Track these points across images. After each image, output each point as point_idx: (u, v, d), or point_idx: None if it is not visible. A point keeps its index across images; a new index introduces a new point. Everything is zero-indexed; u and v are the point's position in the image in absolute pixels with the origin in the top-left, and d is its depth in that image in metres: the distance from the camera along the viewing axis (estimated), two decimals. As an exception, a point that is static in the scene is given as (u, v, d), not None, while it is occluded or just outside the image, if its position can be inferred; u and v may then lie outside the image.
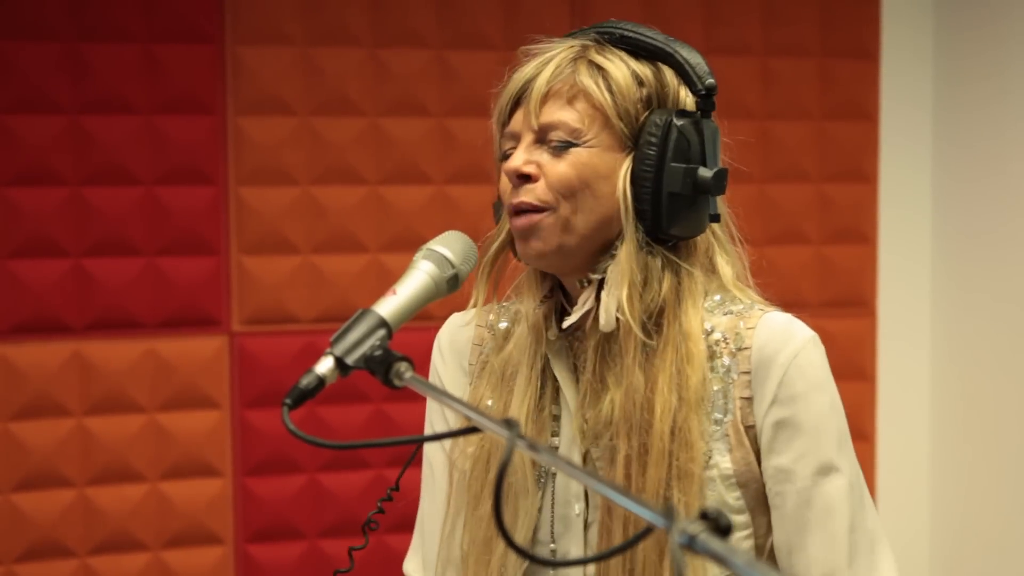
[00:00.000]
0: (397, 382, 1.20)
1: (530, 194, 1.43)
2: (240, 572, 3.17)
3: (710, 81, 1.45)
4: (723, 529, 0.93)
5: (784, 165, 3.48)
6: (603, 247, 1.45)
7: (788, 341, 1.44)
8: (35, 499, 3.02)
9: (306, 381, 1.20)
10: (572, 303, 1.49)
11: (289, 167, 3.15)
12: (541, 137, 1.44)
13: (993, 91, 3.42)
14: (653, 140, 1.42)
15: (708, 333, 1.46)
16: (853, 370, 3.56)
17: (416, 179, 3.19)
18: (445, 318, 1.64)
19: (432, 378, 1.63)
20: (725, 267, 1.52)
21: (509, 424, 1.08)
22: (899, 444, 3.62)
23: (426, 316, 1.48)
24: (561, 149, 1.42)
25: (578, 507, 1.48)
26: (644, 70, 1.45)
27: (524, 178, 1.43)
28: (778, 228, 3.47)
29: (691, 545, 0.93)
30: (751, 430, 1.44)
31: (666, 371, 1.42)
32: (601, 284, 1.45)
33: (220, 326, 3.14)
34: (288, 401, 1.19)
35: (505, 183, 1.46)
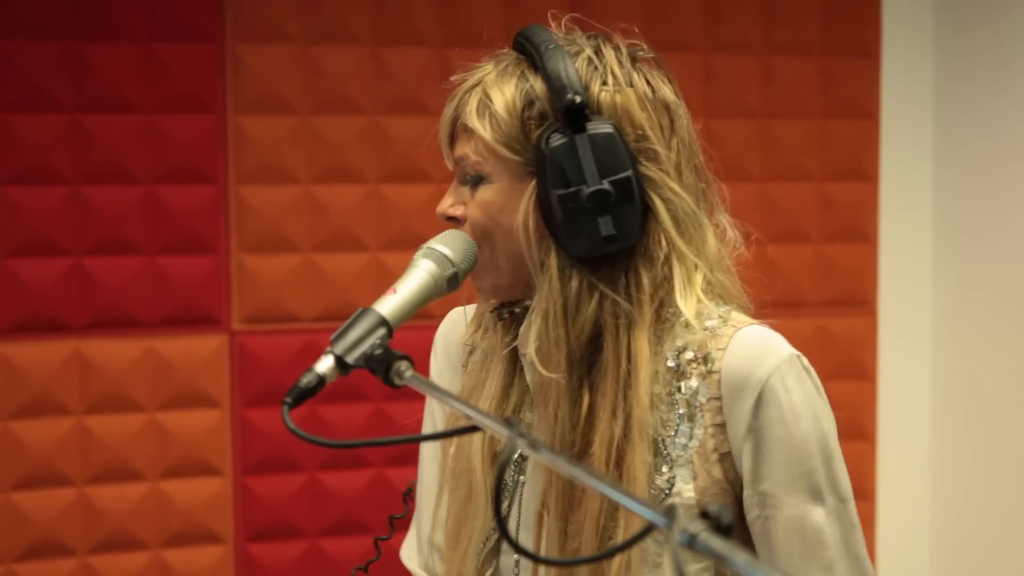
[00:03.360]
0: (397, 381, 1.20)
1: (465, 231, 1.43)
2: (240, 571, 3.16)
3: (569, 97, 1.34)
4: (724, 528, 0.92)
5: (785, 164, 3.47)
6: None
7: (759, 363, 1.36)
8: (35, 498, 3.01)
9: (306, 380, 1.19)
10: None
11: (289, 166, 3.15)
12: (459, 173, 1.44)
13: (994, 90, 3.42)
14: (538, 168, 1.37)
15: (680, 351, 1.40)
16: (853, 369, 3.55)
17: (416, 178, 3.19)
18: (445, 317, 1.64)
19: (432, 376, 1.63)
20: (695, 273, 1.42)
21: (509, 423, 1.07)
22: (900, 443, 3.61)
23: (426, 315, 1.48)
24: (473, 185, 1.42)
25: (544, 514, 1.46)
26: (536, 85, 1.38)
27: (452, 219, 1.43)
28: (778, 227, 3.46)
29: (692, 544, 0.92)
30: (727, 457, 1.38)
31: (607, 396, 1.38)
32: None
33: (220, 325, 3.13)
34: (288, 400, 1.18)
35: None
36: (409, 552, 1.65)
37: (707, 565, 1.42)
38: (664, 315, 1.40)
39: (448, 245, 1.38)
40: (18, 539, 3.01)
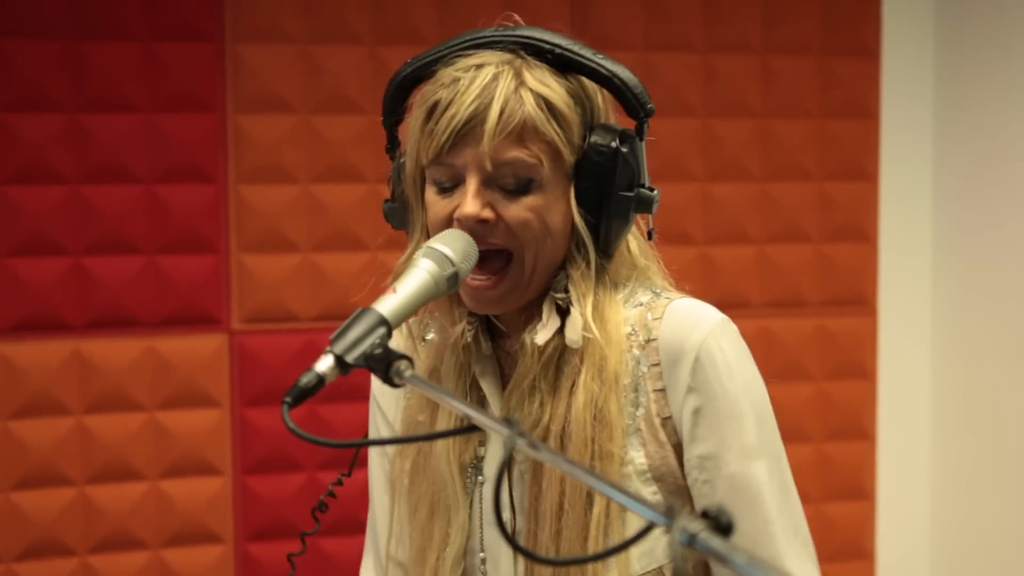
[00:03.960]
0: (397, 380, 1.20)
1: (496, 236, 1.40)
2: (240, 571, 3.16)
3: (651, 106, 1.44)
4: (724, 528, 0.92)
5: (785, 163, 3.47)
6: (554, 272, 1.45)
7: (695, 327, 1.42)
8: (35, 498, 3.01)
9: (306, 379, 1.19)
10: (500, 317, 1.49)
11: (289, 165, 3.15)
12: (492, 176, 1.39)
13: (994, 89, 3.42)
14: (600, 169, 1.41)
15: (623, 324, 1.46)
16: (854, 368, 3.55)
17: None
18: None
19: (372, 403, 1.64)
20: (635, 249, 1.51)
21: (509, 422, 1.08)
22: (900, 443, 3.61)
23: None
24: (517, 191, 1.40)
25: (506, 515, 1.47)
26: (574, 87, 1.43)
27: (482, 222, 1.40)
28: (779, 226, 3.47)
29: (691, 543, 0.92)
30: (668, 422, 1.43)
31: (590, 358, 1.43)
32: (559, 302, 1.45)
33: (220, 324, 3.13)
34: (288, 399, 1.18)
35: (438, 216, 1.43)
36: (367, 573, 1.68)
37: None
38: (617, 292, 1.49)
39: (448, 244, 1.37)
40: (18, 539, 3.01)
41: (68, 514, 3.03)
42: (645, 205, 1.45)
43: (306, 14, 3.15)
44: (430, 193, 1.45)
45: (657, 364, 1.43)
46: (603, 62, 1.42)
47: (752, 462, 1.42)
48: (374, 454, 1.65)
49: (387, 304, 1.28)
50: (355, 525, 1.68)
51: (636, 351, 1.44)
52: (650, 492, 1.42)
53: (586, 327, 1.42)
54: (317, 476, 3.19)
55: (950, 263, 3.57)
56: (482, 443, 1.51)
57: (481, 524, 1.50)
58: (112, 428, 3.06)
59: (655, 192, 1.46)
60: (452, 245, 1.37)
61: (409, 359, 1.20)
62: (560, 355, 1.45)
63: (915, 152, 3.59)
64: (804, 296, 3.48)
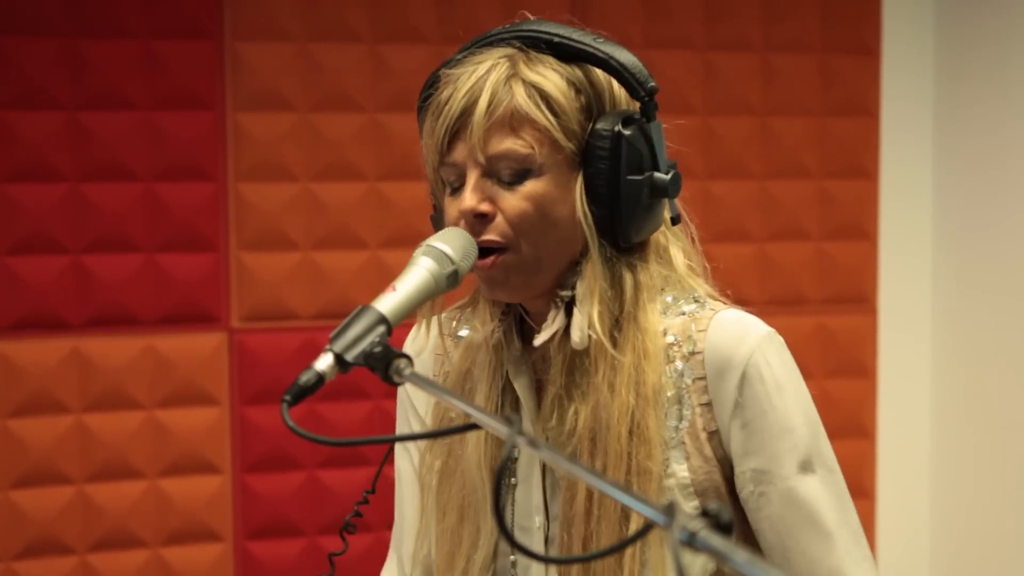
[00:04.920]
0: (397, 379, 1.19)
1: (491, 231, 1.39)
2: (239, 569, 3.16)
3: (652, 84, 1.39)
4: (724, 526, 0.91)
5: (785, 161, 3.47)
6: (569, 265, 1.42)
7: (741, 341, 1.39)
8: (34, 496, 3.01)
9: (305, 378, 1.18)
10: (531, 315, 1.47)
11: (288, 163, 3.14)
12: (489, 169, 1.38)
13: (994, 87, 3.41)
14: (604, 155, 1.38)
15: (662, 335, 1.43)
16: (854, 367, 3.54)
17: (416, 175, 3.11)
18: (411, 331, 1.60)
19: (400, 394, 1.62)
20: (677, 255, 1.48)
21: (510, 421, 1.07)
22: (900, 441, 3.61)
23: None
24: (515, 182, 1.38)
25: (538, 520, 1.46)
26: (576, 75, 1.40)
27: (481, 216, 1.39)
28: (778, 224, 3.46)
29: (692, 542, 0.91)
30: (715, 436, 1.40)
31: (624, 371, 1.39)
32: (569, 301, 1.42)
33: (219, 323, 3.13)
34: (288, 398, 1.17)
35: (451, 217, 1.41)
36: (391, 574, 1.66)
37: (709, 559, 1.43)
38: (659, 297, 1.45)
39: (448, 242, 1.36)
40: (17, 537, 3.00)
41: (67, 513, 3.03)
42: (660, 189, 1.40)
43: (305, 12, 3.14)
44: (445, 196, 1.44)
45: (703, 378, 1.40)
46: (601, 46, 1.40)
47: (805, 476, 1.40)
48: (401, 451, 1.62)
49: (387, 302, 1.27)
50: (358, 524, 1.66)
51: (679, 363, 1.41)
52: (691, 507, 1.40)
53: (591, 325, 1.39)
54: (317, 475, 3.18)
55: (950, 261, 3.56)
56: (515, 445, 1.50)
57: (513, 526, 1.48)
58: (111, 426, 3.05)
59: (670, 174, 1.41)
60: (451, 243, 1.36)
61: (408, 358, 1.20)
62: (583, 358, 1.42)
63: (915, 150, 3.59)
64: (804, 294, 3.48)
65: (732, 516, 0.92)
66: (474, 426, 1.18)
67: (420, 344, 1.55)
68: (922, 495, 3.64)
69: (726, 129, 3.41)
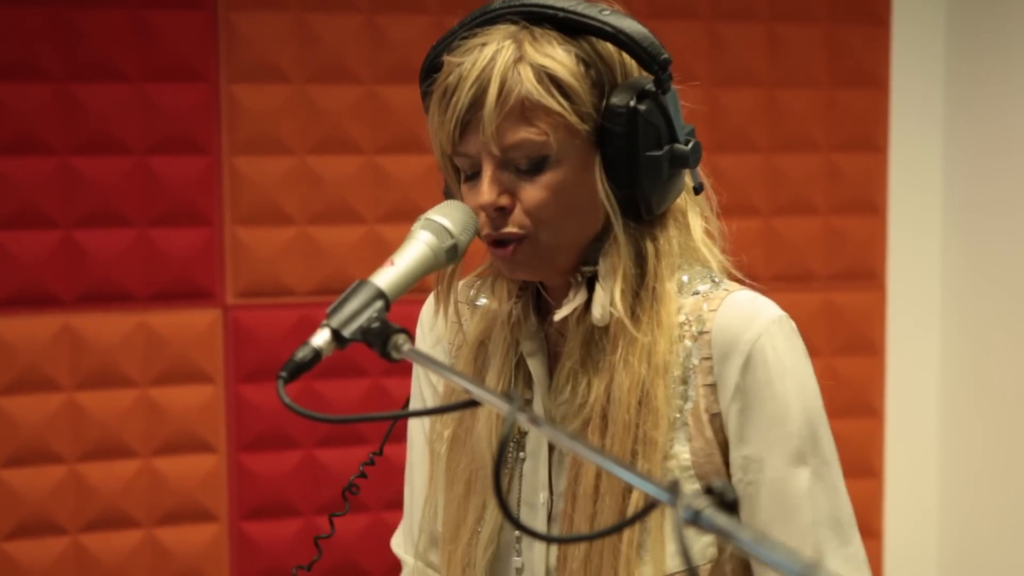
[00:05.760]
0: (395, 355, 1.18)
1: (511, 223, 1.37)
2: (235, 549, 3.14)
3: (664, 56, 1.36)
4: (729, 504, 0.91)
5: (792, 134, 3.45)
6: (590, 242, 1.41)
7: (750, 324, 1.38)
8: (25, 475, 2.99)
9: (302, 354, 1.17)
10: (549, 290, 1.45)
11: (284, 136, 3.12)
12: (504, 160, 1.36)
13: (1006, 60, 3.39)
14: (621, 134, 1.35)
15: (676, 311, 1.42)
16: (862, 344, 3.53)
17: (414, 148, 3.16)
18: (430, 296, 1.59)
19: (416, 367, 1.60)
20: (695, 220, 1.46)
21: (510, 398, 1.06)
22: (908, 419, 3.60)
23: (424, 288, 1.46)
24: (532, 171, 1.36)
25: (543, 496, 1.45)
26: (584, 49, 1.36)
27: (500, 210, 1.37)
28: (786, 198, 3.44)
29: (696, 521, 0.91)
30: (716, 418, 1.39)
31: (638, 341, 1.38)
32: (591, 276, 1.41)
33: (214, 299, 3.11)
34: (283, 374, 1.16)
35: (473, 208, 1.39)
36: (400, 540, 1.66)
37: (712, 540, 1.42)
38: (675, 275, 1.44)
39: (447, 216, 1.35)
40: (8, 517, 2.99)
41: (59, 492, 3.01)
42: (680, 161, 1.38)
43: (301, -20, 3.11)
44: (460, 182, 1.43)
45: (709, 358, 1.39)
46: (608, 19, 1.36)
47: (795, 469, 1.38)
48: (412, 425, 1.62)
49: (384, 277, 1.26)
50: (353, 503, 1.66)
51: (688, 342, 1.40)
52: (692, 490, 1.37)
53: (612, 303, 1.37)
54: (313, 453, 3.17)
55: (960, 236, 3.56)
56: None
57: (519, 501, 1.47)
58: (104, 404, 3.03)
59: (690, 145, 1.39)
60: (451, 216, 1.35)
61: (407, 333, 1.18)
62: (602, 334, 1.40)
63: (925, 123, 3.57)
64: (811, 270, 3.46)
65: (736, 495, 0.91)
66: (474, 403, 1.16)
67: (432, 315, 1.55)
68: (930, 473, 3.64)
69: (731, 101, 3.38)
